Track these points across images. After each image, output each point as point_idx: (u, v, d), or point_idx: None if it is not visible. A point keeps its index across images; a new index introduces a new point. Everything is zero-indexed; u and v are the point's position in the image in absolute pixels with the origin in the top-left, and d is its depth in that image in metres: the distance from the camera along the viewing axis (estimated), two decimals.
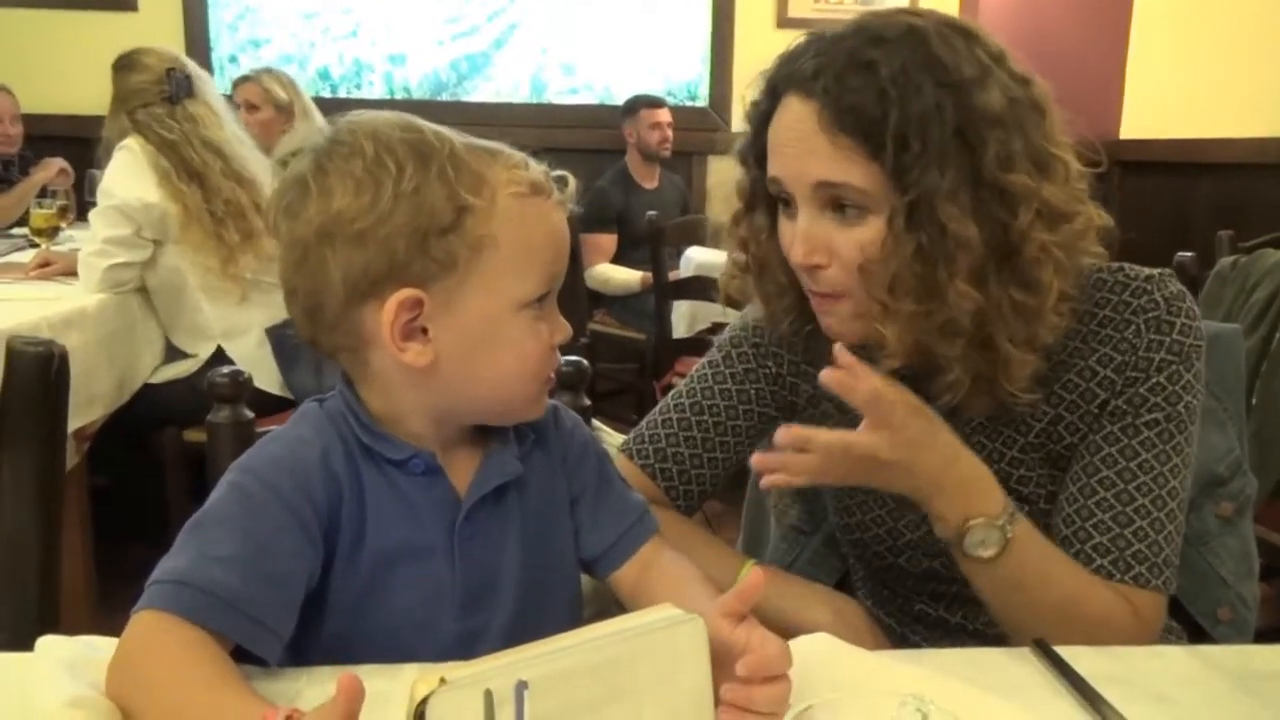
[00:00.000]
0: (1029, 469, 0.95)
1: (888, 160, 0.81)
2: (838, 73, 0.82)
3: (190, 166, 2.22)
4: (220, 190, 2.23)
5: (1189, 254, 2.11)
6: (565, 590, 0.83)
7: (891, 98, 0.80)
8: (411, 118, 0.74)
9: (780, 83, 0.87)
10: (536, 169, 0.74)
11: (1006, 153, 0.81)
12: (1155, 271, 0.92)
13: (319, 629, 0.73)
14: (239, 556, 0.66)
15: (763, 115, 0.90)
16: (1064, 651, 0.75)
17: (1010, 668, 0.75)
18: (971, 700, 0.58)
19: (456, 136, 0.73)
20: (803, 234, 0.86)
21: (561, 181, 0.77)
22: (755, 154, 0.93)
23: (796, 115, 0.85)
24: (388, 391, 0.75)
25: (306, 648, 0.73)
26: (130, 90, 2.28)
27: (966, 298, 0.82)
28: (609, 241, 3.90)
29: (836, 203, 0.85)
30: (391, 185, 0.69)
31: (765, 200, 0.94)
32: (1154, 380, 0.89)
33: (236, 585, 0.65)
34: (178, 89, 2.29)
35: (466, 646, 0.72)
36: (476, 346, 0.73)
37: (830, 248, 0.86)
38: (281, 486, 0.70)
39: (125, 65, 2.32)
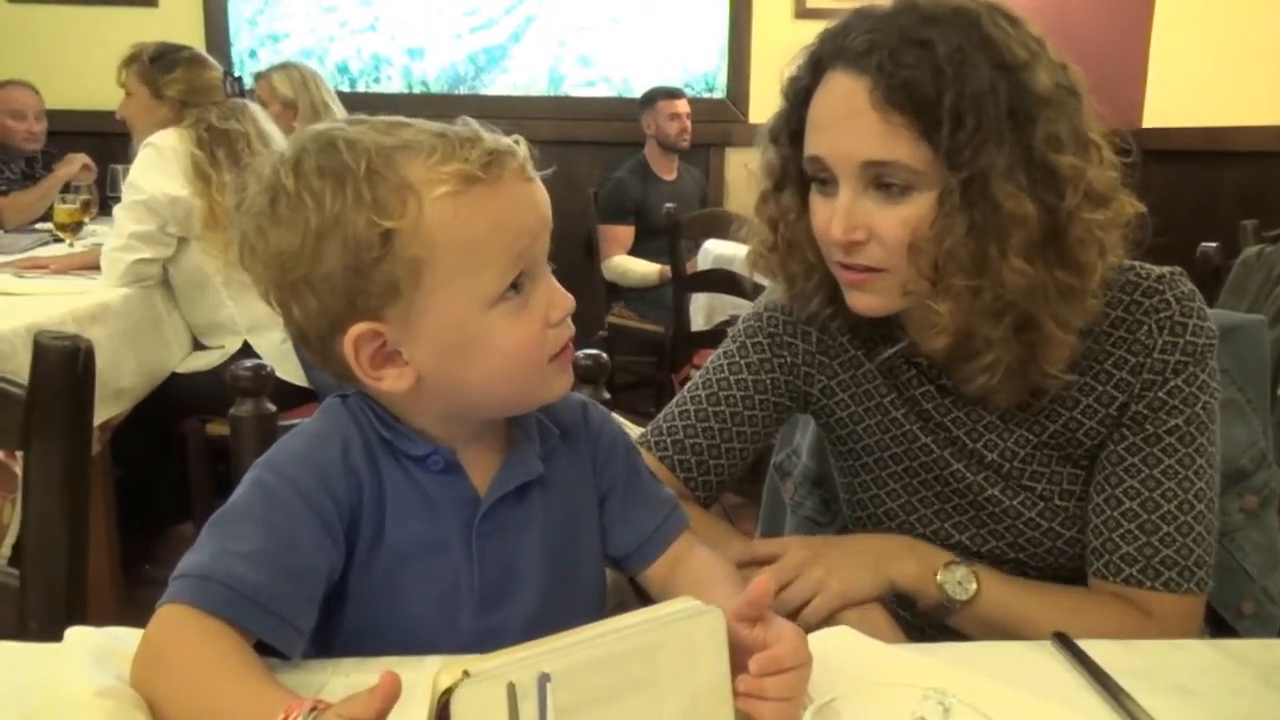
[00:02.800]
0: (1041, 464, 0.95)
1: (943, 138, 0.80)
2: (892, 49, 0.81)
3: (239, 158, 2.26)
4: None
5: (1213, 244, 2.09)
6: (589, 587, 0.82)
7: (947, 76, 0.80)
8: (336, 131, 0.70)
9: (826, 57, 0.86)
10: (475, 154, 0.68)
11: (1055, 134, 0.82)
12: (1165, 270, 0.92)
13: (340, 622, 0.73)
14: (261, 551, 0.66)
15: (803, 91, 0.89)
16: (1085, 644, 0.75)
17: (1030, 661, 0.75)
18: (992, 693, 0.57)
19: (384, 136, 0.68)
20: (843, 211, 0.85)
21: (505, 156, 0.69)
22: (790, 131, 0.92)
23: (846, 91, 0.84)
24: (395, 404, 0.75)
25: (328, 641, 0.73)
26: (204, 85, 2.33)
27: (1021, 274, 0.82)
28: (626, 233, 3.89)
29: (880, 181, 0.84)
30: (315, 221, 0.67)
31: (796, 179, 0.93)
32: (1172, 384, 0.89)
33: (258, 580, 0.65)
34: (240, 86, 2.38)
35: (486, 643, 0.71)
36: (454, 356, 0.70)
37: (870, 225, 0.85)
38: (303, 483, 0.70)
39: (192, 61, 2.37)
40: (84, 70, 4.08)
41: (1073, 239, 0.83)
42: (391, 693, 0.50)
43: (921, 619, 0.95)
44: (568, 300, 0.73)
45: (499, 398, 0.74)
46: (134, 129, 2.40)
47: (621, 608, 0.95)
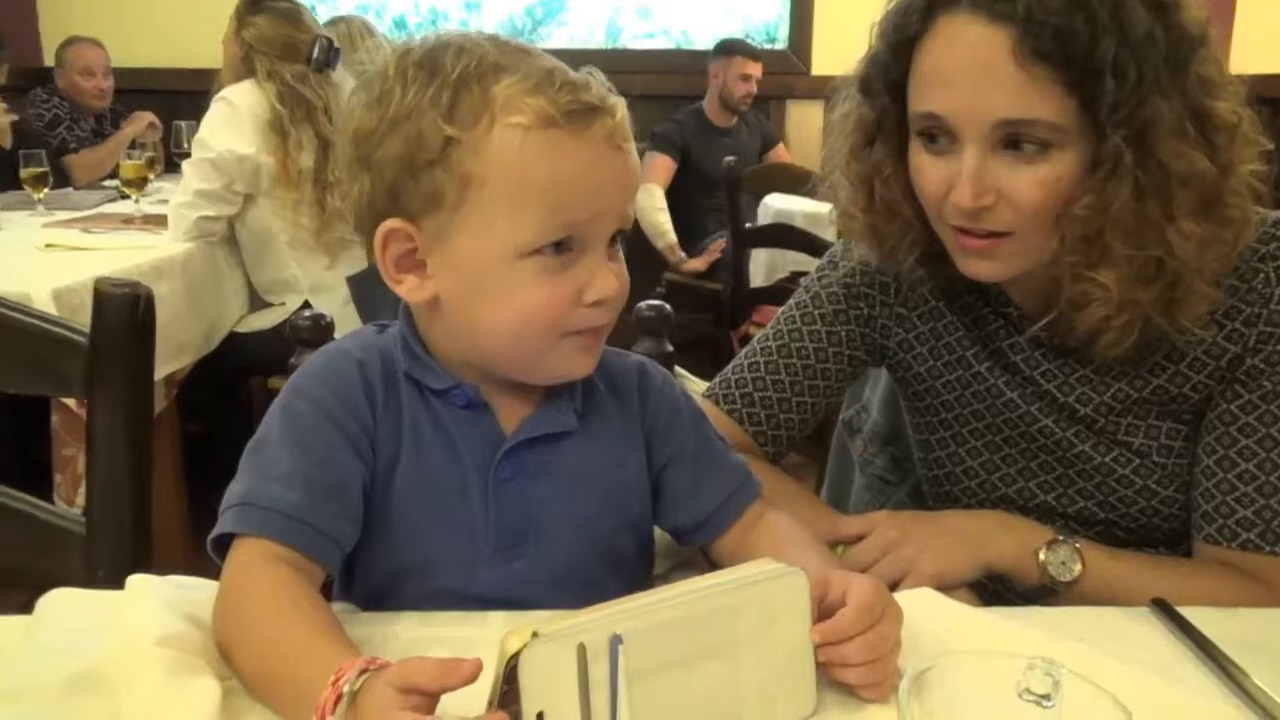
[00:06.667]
0: (1138, 418, 0.89)
1: (1104, 93, 0.73)
2: None
3: (320, 131, 2.23)
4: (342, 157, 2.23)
5: None
6: (627, 555, 0.78)
7: (1103, 22, 0.72)
8: (461, 35, 0.69)
9: (945, 1, 0.78)
10: (568, 99, 0.65)
11: (1207, 76, 0.75)
12: None
13: (360, 558, 0.72)
14: (296, 472, 0.66)
15: (909, 40, 0.81)
16: (1188, 612, 0.70)
17: (1130, 629, 0.70)
18: (1097, 664, 0.53)
19: (496, 53, 0.67)
20: (972, 174, 0.78)
21: (600, 114, 0.66)
22: (889, 82, 0.84)
23: (979, 41, 0.75)
24: (424, 325, 0.73)
25: (349, 577, 0.74)
26: (279, 39, 2.27)
27: (1190, 237, 0.76)
28: (666, 164, 3.76)
29: (1012, 140, 0.77)
30: (393, 108, 0.66)
31: (894, 133, 0.86)
32: None
33: (296, 499, 0.65)
34: (327, 59, 2.30)
35: (507, 597, 0.70)
36: (470, 292, 0.68)
37: (999, 188, 0.78)
38: (326, 402, 0.69)
39: (283, 14, 2.30)
40: (149, 29, 4.12)
41: (1228, 190, 0.76)
42: (468, 675, 0.48)
43: (1016, 597, 0.90)
44: (610, 287, 0.68)
45: (506, 353, 0.70)
46: (224, 73, 2.38)
47: (688, 566, 0.93)
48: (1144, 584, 0.80)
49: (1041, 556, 0.85)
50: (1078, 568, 0.84)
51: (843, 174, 0.92)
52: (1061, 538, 0.86)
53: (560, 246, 0.66)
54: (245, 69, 2.28)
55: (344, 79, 2.34)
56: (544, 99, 0.64)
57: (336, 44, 2.34)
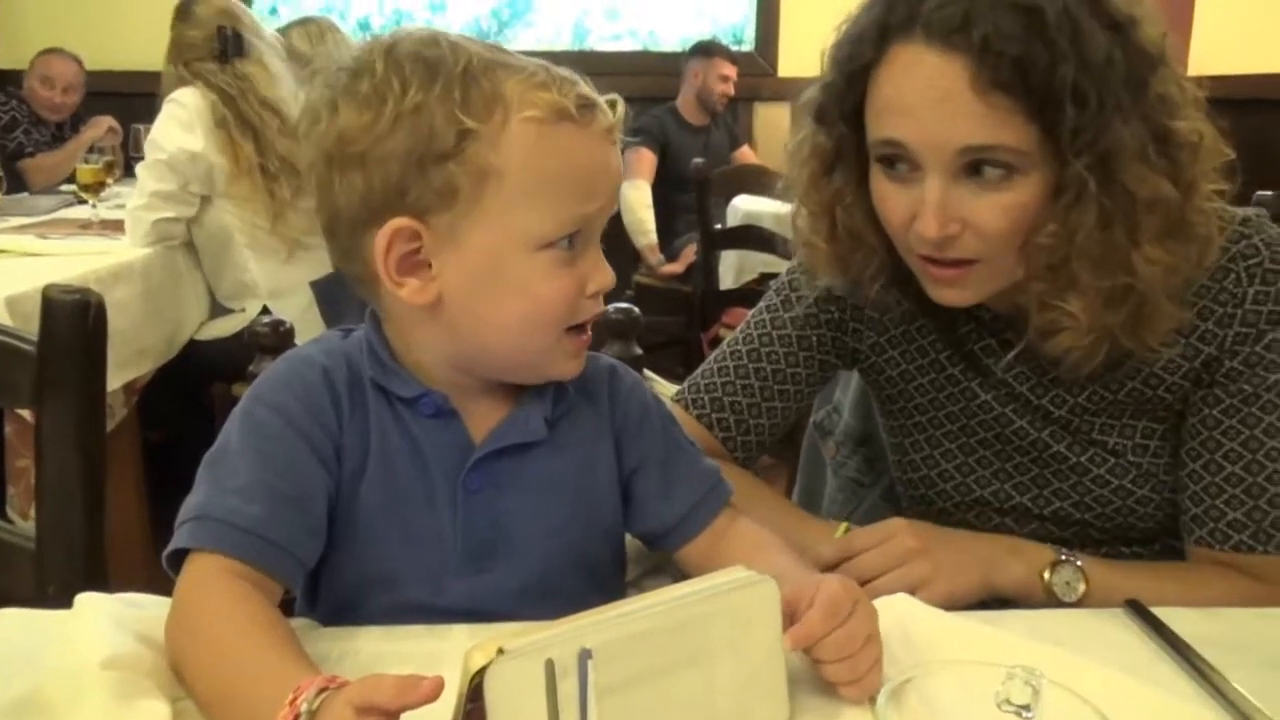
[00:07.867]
0: (1113, 417, 0.89)
1: (1064, 119, 0.72)
2: (995, 21, 0.71)
3: (247, 120, 2.20)
4: (275, 145, 2.20)
5: (1269, 193, 2.00)
6: (601, 563, 0.77)
7: (1061, 48, 0.71)
8: (442, 33, 0.68)
9: (896, 27, 0.76)
10: (572, 94, 0.66)
11: (1167, 94, 0.74)
12: (1250, 213, 0.85)
13: (324, 572, 0.70)
14: (257, 483, 0.64)
15: (863, 69, 0.79)
16: (1163, 613, 0.70)
17: (1105, 631, 0.70)
18: (1076, 669, 0.52)
19: (486, 52, 0.66)
20: (936, 205, 0.76)
21: (603, 107, 0.68)
22: (845, 111, 0.82)
23: (935, 71, 0.74)
24: (403, 329, 0.71)
25: (315, 592, 0.72)
26: (185, 42, 2.26)
27: (1157, 263, 0.75)
28: (649, 158, 3.75)
29: (975, 166, 0.76)
30: (393, 104, 0.64)
31: (852, 159, 0.84)
32: (1269, 337, 0.82)
33: (255, 511, 0.63)
34: (227, 47, 2.25)
35: (476, 611, 0.68)
36: (482, 287, 0.66)
37: (964, 216, 0.77)
38: (289, 410, 0.67)
39: (181, 15, 2.30)
40: (108, 31, 4.05)
41: (1192, 209, 0.76)
42: (428, 694, 0.46)
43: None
44: (608, 277, 0.69)
45: (507, 350, 0.69)
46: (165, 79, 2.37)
47: (659, 572, 0.91)
48: (1149, 595, 0.78)
49: (1047, 577, 0.83)
50: (1082, 587, 0.83)
51: (802, 203, 0.90)
52: (1064, 556, 0.84)
53: (570, 240, 0.67)
54: (175, 73, 2.27)
55: (262, 70, 2.31)
56: (553, 93, 0.65)
57: (236, 30, 2.30)
